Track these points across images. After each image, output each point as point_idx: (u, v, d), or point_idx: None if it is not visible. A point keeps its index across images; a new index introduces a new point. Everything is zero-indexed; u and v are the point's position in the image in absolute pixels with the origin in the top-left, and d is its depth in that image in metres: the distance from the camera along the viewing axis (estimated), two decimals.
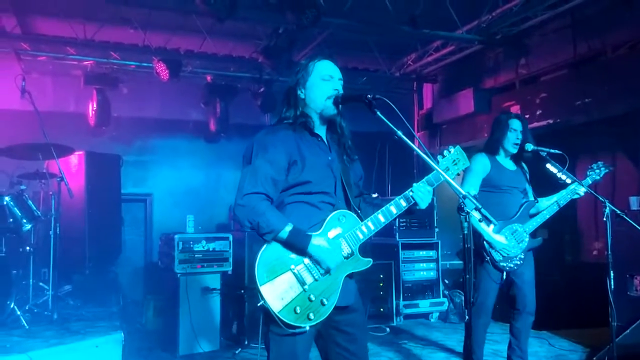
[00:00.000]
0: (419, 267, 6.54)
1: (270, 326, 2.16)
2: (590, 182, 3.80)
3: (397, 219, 2.37)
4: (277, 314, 2.07)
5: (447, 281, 6.68)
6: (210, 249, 5.05)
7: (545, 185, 3.90)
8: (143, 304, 5.71)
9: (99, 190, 5.62)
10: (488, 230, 3.58)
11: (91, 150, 5.74)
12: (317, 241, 2.16)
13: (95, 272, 5.34)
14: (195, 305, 4.93)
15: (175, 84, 6.56)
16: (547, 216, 3.74)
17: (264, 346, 2.26)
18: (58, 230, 4.72)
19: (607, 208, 3.68)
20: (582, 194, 3.76)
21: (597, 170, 3.82)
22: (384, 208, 2.30)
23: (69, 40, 6.23)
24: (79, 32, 6.18)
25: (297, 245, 2.15)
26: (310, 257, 2.17)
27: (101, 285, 5.43)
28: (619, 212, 3.71)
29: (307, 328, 2.11)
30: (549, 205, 3.77)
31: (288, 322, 2.07)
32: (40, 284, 4.82)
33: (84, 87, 6.59)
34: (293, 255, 2.17)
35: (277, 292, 2.10)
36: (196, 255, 4.98)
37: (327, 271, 2.19)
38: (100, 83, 6.62)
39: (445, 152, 2.37)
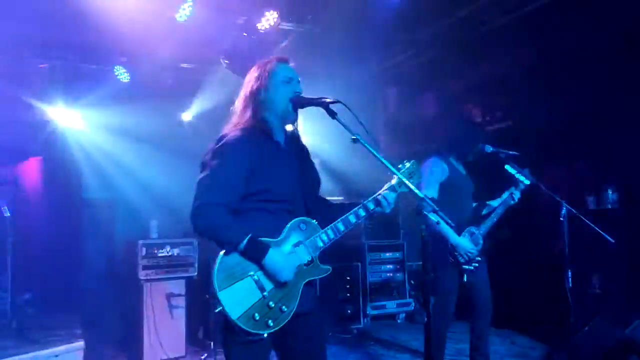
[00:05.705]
0: (386, 268, 6.59)
1: (229, 333, 2.13)
2: (523, 187, 3.88)
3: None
4: (235, 321, 2.04)
5: (413, 282, 6.73)
6: (175, 254, 4.99)
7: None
8: (106, 311, 5.59)
9: (58, 195, 5.49)
10: (454, 233, 3.63)
11: (49, 155, 5.60)
12: (273, 255, 2.12)
13: (55, 279, 5.21)
14: (159, 312, 4.86)
15: None
16: (496, 218, 3.83)
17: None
18: (15, 236, 4.59)
19: (564, 208, 3.80)
20: (516, 199, 3.86)
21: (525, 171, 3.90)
22: (344, 217, 2.30)
23: None
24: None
25: (254, 257, 2.12)
26: (265, 270, 2.13)
27: (62, 292, 5.29)
28: (575, 212, 3.84)
29: (265, 335, 2.09)
30: (497, 207, 3.86)
31: (246, 329, 2.05)
32: None
33: None
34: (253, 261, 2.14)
35: (236, 298, 2.06)
36: (160, 261, 4.91)
37: (283, 283, 2.16)
38: None
39: (401, 166, 2.41)
